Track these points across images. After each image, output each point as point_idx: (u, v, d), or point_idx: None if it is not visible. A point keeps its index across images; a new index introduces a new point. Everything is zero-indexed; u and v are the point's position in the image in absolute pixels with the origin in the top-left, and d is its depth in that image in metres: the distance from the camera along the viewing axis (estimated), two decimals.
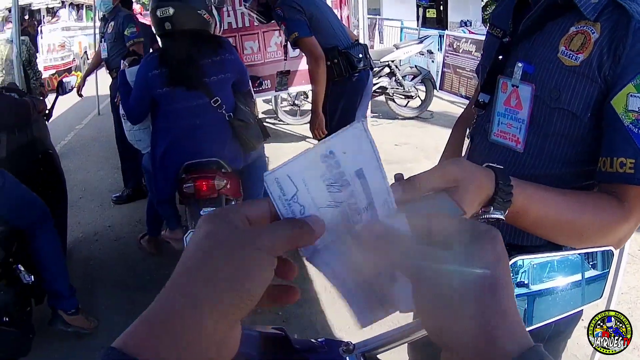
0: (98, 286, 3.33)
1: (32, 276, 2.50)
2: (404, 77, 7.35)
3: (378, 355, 0.80)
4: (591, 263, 1.08)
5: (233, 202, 2.89)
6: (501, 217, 0.85)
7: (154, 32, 2.91)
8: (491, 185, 0.82)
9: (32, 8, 12.03)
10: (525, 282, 1.06)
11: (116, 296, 3.22)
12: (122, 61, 3.66)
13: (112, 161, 5.57)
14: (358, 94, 3.46)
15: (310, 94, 4.85)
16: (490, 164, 0.86)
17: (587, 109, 1.08)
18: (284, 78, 4.09)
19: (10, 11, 6.09)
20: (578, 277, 1.20)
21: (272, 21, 3.69)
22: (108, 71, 4.79)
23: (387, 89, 7.28)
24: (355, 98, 3.46)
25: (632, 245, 3.57)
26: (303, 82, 4.81)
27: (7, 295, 2.35)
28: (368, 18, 11.21)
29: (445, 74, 8.94)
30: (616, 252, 2.88)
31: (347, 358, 0.76)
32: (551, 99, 1.12)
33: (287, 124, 7.22)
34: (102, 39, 4.70)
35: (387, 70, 7.23)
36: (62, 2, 13.20)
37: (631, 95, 1.02)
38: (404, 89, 7.30)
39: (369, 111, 5.42)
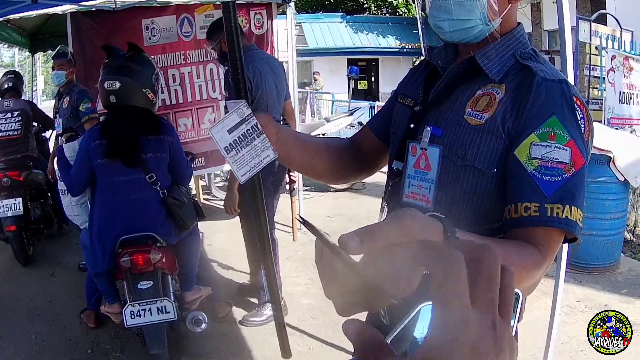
0: None
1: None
2: None
3: None
4: None
5: (169, 277, 2.95)
6: None
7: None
8: (439, 235, 0.83)
9: None
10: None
11: None
12: (59, 137, 3.67)
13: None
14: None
15: None
16: (435, 214, 0.85)
17: (492, 164, 1.13)
18: None
19: None
20: None
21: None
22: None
23: None
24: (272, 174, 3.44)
25: (569, 297, 3.73)
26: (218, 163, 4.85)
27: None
28: (299, 92, 11.59)
29: None
30: (549, 303, 2.83)
31: None
32: (457, 157, 1.16)
33: (221, 199, 6.92)
34: (57, 115, 4.54)
35: None
36: None
37: (534, 144, 1.07)
38: None
39: (301, 184, 5.47)
